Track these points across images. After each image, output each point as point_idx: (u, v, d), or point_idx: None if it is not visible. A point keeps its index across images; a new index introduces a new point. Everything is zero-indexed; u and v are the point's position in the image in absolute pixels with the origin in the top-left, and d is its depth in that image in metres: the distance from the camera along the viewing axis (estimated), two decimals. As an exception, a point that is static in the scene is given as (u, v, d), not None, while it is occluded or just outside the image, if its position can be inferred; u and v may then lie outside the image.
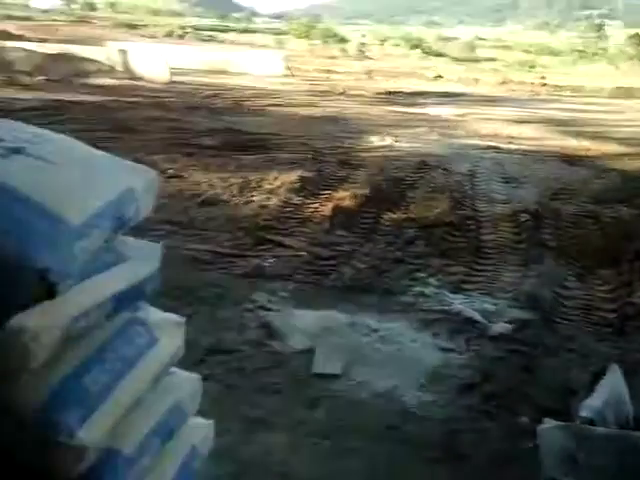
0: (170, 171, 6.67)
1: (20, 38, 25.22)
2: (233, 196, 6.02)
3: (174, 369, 1.41)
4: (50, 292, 0.98)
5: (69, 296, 1.03)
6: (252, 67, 21.63)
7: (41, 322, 0.98)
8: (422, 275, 4.24)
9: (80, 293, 1.08)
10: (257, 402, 2.69)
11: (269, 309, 3.60)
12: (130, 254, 1.26)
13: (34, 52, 18.56)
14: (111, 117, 9.34)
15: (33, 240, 0.96)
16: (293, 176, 6.57)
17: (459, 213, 5.75)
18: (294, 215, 5.51)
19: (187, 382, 1.43)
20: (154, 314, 1.34)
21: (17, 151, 1.07)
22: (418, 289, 4.00)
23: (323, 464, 2.33)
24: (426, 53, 47.33)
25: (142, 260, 1.27)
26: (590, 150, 9.73)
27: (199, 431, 1.47)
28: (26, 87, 12.88)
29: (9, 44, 19.41)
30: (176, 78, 16.79)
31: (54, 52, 18.83)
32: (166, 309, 1.41)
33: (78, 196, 1.07)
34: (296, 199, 5.92)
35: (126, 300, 1.21)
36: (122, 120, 9.20)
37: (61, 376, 1.06)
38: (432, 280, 4.16)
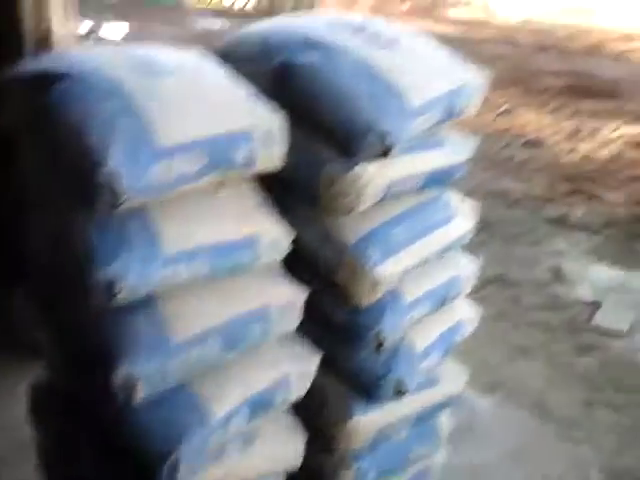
0: (502, 108, 6.70)
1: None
2: (560, 141, 5.82)
3: (459, 250, 1.61)
4: (384, 153, 1.23)
5: (395, 161, 1.29)
6: (625, 5, 19.30)
7: (372, 175, 1.28)
8: None
9: (404, 161, 1.34)
10: (526, 333, 2.79)
11: (565, 256, 3.56)
12: (448, 142, 1.48)
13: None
14: (457, 50, 9.57)
15: (383, 110, 1.24)
16: (636, 129, 5.99)
17: None
18: (623, 170, 5.09)
19: (467, 264, 1.62)
20: (454, 197, 1.56)
21: (390, 44, 1.37)
22: None
23: (578, 405, 2.36)
24: None
25: (457, 149, 1.49)
26: None
27: (467, 311, 1.66)
28: (391, 14, 13.83)
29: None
30: (533, 16, 16.05)
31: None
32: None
33: (423, 83, 1.33)
34: (631, 154, 5.43)
35: (435, 179, 1.45)
36: (467, 53, 9.33)
37: (376, 222, 1.36)
38: None
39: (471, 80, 1.46)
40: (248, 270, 1.23)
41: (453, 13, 16.13)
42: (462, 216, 1.55)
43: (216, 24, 10.95)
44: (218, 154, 1.12)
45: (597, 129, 6.08)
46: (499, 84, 7.71)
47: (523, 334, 2.77)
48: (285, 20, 1.53)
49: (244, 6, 13.27)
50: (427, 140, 1.41)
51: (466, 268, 1.61)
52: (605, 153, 5.48)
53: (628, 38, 13.05)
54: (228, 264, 1.18)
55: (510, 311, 2.93)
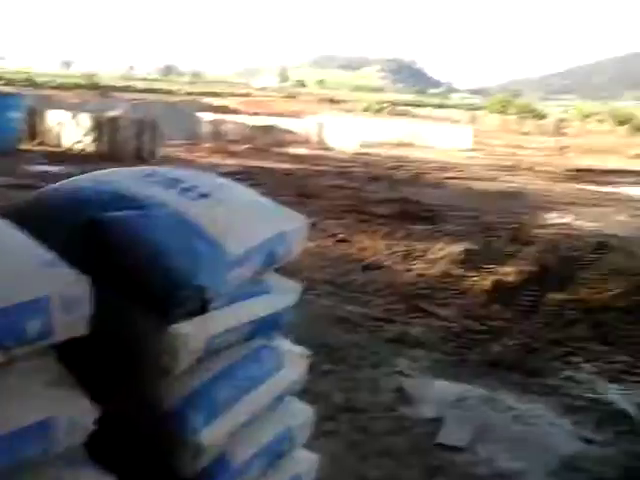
0: (340, 235, 7.09)
1: (236, 112, 28.66)
2: (395, 263, 6.22)
3: (292, 398, 1.55)
4: (202, 308, 1.18)
5: (216, 314, 1.23)
6: (439, 141, 22.05)
7: (191, 332, 1.20)
8: (577, 360, 3.99)
9: (225, 314, 1.28)
10: (376, 463, 2.75)
11: (407, 375, 3.67)
12: (273, 288, 1.46)
13: (245, 124, 21.03)
14: (297, 183, 10.18)
15: (198, 263, 1.20)
16: (458, 248, 6.58)
17: (636, 299, 5.30)
18: (452, 286, 5.52)
19: (301, 412, 1.56)
20: (284, 344, 1.52)
21: (205, 196, 1.36)
22: (569, 373, 3.78)
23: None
24: (637, 130, 43.69)
25: (282, 294, 1.47)
26: None
27: (305, 463, 1.58)
28: (232, 154, 14.54)
29: (227, 117, 22.20)
30: (364, 150, 17.73)
31: (261, 124, 21.12)
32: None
33: (240, 233, 1.31)
34: (457, 271, 5.92)
35: (262, 327, 1.41)
36: (306, 186, 9.98)
37: (197, 382, 1.27)
38: (587, 366, 3.90)
39: (291, 225, 1.48)
40: (41, 462, 1.07)
41: (292, 150, 17.37)
42: (293, 362, 1.52)
43: (52, 169, 10.72)
44: (3, 330, 1.01)
45: (426, 250, 6.60)
46: (336, 213, 8.23)
47: (373, 464, 2.73)
48: (96, 175, 1.50)
49: (83, 149, 13.25)
50: (250, 288, 1.39)
51: (301, 416, 1.57)
52: (435, 271, 5.92)
53: (444, 168, 14.82)
54: (13, 458, 1.02)
55: (359, 441, 2.90)
